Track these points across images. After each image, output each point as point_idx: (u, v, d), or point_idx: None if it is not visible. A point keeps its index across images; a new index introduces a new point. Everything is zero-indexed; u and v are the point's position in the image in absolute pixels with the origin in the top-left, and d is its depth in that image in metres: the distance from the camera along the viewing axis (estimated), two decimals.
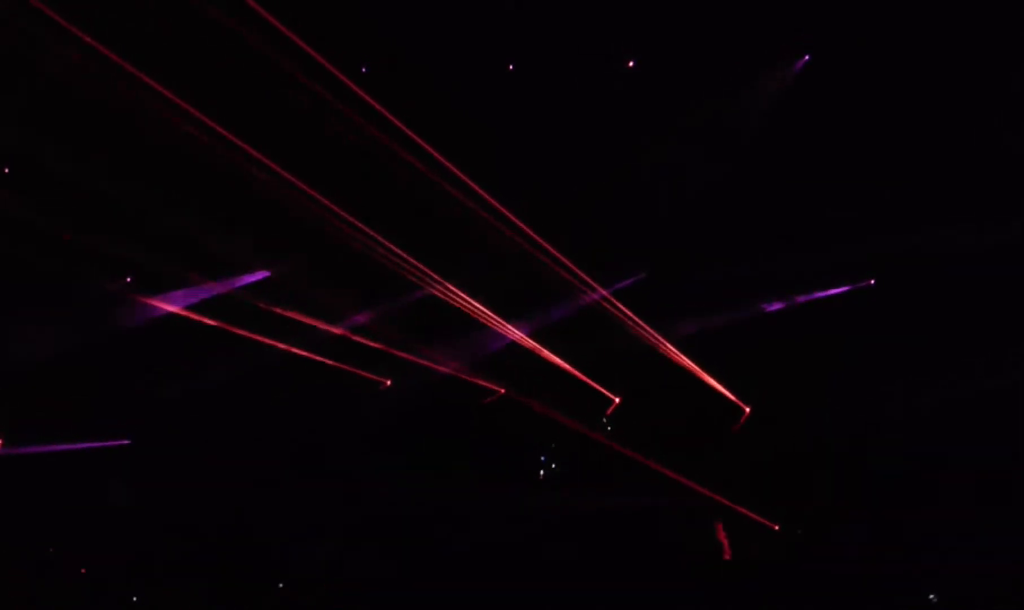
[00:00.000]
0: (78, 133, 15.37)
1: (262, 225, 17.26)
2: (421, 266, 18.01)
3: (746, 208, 16.87)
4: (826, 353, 17.25)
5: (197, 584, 16.75)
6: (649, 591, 16.16)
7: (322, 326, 18.87)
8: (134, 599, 16.64)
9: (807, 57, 15.83)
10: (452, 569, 16.96)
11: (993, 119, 15.02)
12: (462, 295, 18.46)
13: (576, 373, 18.96)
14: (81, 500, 17.18)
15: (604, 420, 19.17)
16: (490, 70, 16.22)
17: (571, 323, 18.73)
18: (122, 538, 17.08)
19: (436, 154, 16.05)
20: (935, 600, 15.76)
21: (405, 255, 17.77)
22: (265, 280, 18.55)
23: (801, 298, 18.17)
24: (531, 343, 18.93)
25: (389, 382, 19.68)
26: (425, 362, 19.11)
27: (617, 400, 19.14)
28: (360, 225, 17.07)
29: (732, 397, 18.65)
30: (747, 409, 18.62)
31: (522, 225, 17.19)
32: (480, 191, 16.55)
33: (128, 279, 18.30)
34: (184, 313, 18.38)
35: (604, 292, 18.48)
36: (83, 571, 16.74)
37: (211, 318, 18.32)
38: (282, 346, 18.62)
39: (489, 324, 18.78)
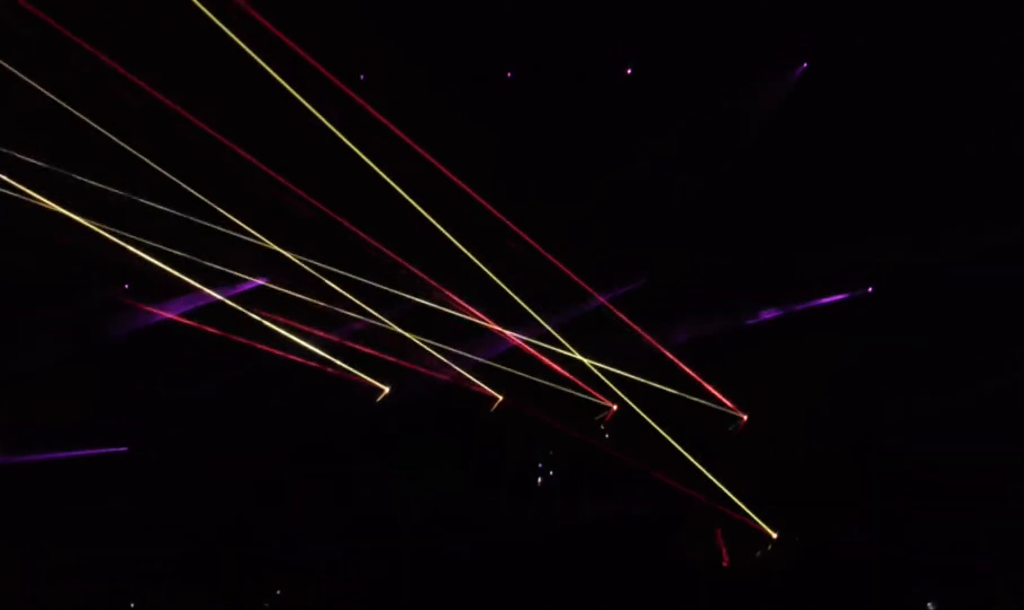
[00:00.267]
0: (78, 133, 15.36)
1: (260, 230, 17.25)
2: (418, 272, 18.02)
3: (746, 211, 16.91)
4: (825, 357, 17.27)
5: (195, 589, 16.69)
6: (646, 598, 16.14)
7: (321, 333, 18.83)
8: (132, 606, 16.59)
9: (805, 64, 15.90)
10: (451, 576, 16.92)
11: (993, 120, 15.08)
12: (460, 301, 18.45)
13: (574, 380, 18.94)
14: (80, 504, 17.13)
15: (602, 427, 19.14)
16: (488, 72, 16.26)
17: (569, 329, 18.72)
18: (121, 541, 17.01)
19: (432, 159, 16.10)
20: (933, 608, 15.76)
21: (402, 261, 17.78)
22: (264, 287, 18.52)
23: (800, 305, 18.21)
24: (529, 350, 18.91)
25: (388, 389, 19.63)
26: (423, 369, 19.07)
27: (614, 407, 19.11)
28: (356, 229, 17.09)
29: (730, 403, 18.64)
30: (744, 416, 18.61)
31: (520, 231, 17.22)
32: (479, 195, 16.59)
33: (126, 285, 18.27)
34: (182, 320, 18.34)
35: (602, 298, 18.50)
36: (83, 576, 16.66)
37: (209, 325, 18.27)
38: (281, 353, 18.57)
39: (487, 331, 18.77)
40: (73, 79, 14.75)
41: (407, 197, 16.42)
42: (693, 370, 18.55)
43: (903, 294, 16.88)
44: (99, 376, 17.81)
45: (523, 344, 18.94)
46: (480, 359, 19.07)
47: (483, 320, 18.72)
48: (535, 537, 17.49)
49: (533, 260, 17.57)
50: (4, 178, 15.96)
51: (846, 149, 16.05)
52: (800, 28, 15.34)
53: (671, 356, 18.53)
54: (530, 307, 18.43)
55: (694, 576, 17.20)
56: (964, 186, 15.65)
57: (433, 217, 16.78)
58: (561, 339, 18.73)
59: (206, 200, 16.51)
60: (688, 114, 16.64)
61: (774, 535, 17.59)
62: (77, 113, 15.01)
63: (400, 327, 18.64)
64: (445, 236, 17.11)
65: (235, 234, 17.23)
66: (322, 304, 18.35)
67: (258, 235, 17.38)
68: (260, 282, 18.48)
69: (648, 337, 18.44)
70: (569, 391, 18.93)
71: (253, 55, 14.29)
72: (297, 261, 17.94)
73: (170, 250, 17.15)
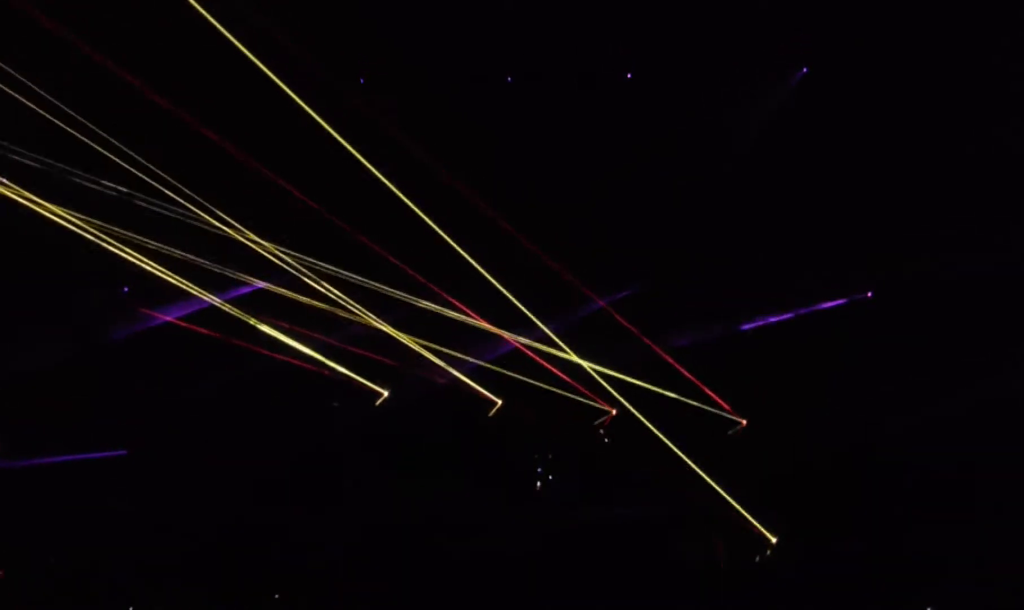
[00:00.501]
0: (78, 133, 15.38)
1: (261, 233, 17.26)
2: (418, 275, 18.02)
3: (745, 215, 16.91)
4: (824, 362, 17.26)
5: (195, 590, 16.68)
6: (646, 602, 16.11)
7: (320, 337, 18.83)
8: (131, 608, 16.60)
9: (805, 69, 15.91)
10: (450, 578, 16.90)
11: (993, 120, 15.07)
12: (460, 304, 18.45)
13: (573, 383, 18.93)
14: (80, 505, 17.14)
15: (601, 431, 19.12)
16: (488, 74, 16.28)
17: (569, 333, 18.72)
18: (121, 542, 17.01)
19: (431, 161, 16.10)
20: None
21: (401, 265, 17.78)
22: (263, 290, 18.52)
23: (799, 310, 18.21)
24: (529, 353, 18.90)
25: (387, 393, 19.63)
26: (423, 373, 19.07)
27: (614, 411, 19.09)
28: (354, 232, 17.10)
29: (729, 408, 18.62)
30: (744, 420, 18.60)
31: (519, 234, 17.22)
32: (479, 197, 16.59)
33: (125, 288, 18.29)
34: (181, 323, 18.35)
35: (602, 302, 18.49)
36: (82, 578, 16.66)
37: (210, 327, 18.29)
38: (281, 356, 18.58)
39: (486, 334, 18.77)
40: (74, 79, 14.77)
41: (406, 199, 16.42)
42: (693, 374, 18.54)
43: (902, 299, 16.87)
44: (99, 377, 17.83)
45: (523, 347, 18.94)
46: (479, 362, 19.08)
47: (482, 323, 18.71)
48: (534, 540, 17.47)
49: (533, 263, 17.57)
50: (4, 179, 16.01)
51: (845, 152, 16.06)
52: (800, 30, 15.35)
53: (671, 360, 18.53)
54: (529, 310, 18.43)
55: (694, 580, 17.17)
56: (964, 187, 15.64)
57: (432, 220, 16.78)
58: (561, 343, 18.73)
59: (207, 203, 16.53)
60: (688, 117, 16.65)
61: (774, 539, 17.56)
62: (76, 113, 15.04)
63: (399, 330, 18.65)
64: (444, 239, 17.12)
65: (236, 237, 17.25)
66: (322, 306, 18.37)
67: (258, 238, 17.40)
68: (260, 285, 18.50)
69: (648, 341, 18.43)
70: (569, 395, 18.92)
71: (252, 56, 14.30)
72: (297, 264, 17.96)
73: (170, 251, 17.17)
